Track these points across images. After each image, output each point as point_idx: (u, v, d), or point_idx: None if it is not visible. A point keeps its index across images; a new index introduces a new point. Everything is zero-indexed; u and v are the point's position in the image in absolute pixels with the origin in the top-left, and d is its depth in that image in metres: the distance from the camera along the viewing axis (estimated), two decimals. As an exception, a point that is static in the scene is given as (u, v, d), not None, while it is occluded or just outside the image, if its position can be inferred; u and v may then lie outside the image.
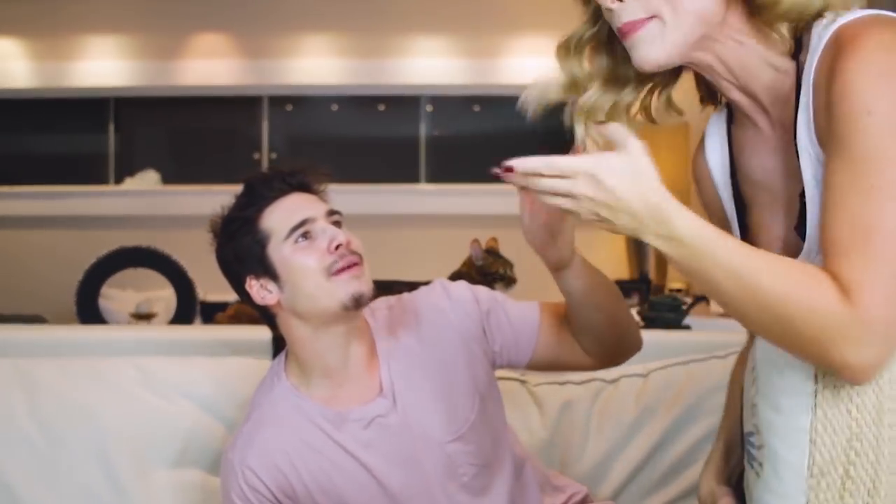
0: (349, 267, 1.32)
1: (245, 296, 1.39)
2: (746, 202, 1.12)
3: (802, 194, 0.99)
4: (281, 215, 1.35)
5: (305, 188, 1.40)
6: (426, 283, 1.75)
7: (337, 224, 1.37)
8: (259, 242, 1.34)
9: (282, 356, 1.44)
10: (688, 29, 0.99)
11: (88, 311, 3.49)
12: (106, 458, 1.65)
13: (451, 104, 6.18)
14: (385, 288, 1.91)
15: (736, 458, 1.23)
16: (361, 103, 6.16)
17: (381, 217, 5.59)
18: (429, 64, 5.95)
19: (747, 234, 1.13)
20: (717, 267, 0.91)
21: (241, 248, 1.35)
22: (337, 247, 1.32)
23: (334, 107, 6.21)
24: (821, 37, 0.96)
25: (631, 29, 1.00)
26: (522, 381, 1.77)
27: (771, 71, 1.01)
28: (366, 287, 1.34)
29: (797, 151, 0.99)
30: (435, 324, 1.42)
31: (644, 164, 0.92)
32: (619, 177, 0.90)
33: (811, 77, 0.96)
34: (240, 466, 1.35)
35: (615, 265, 5.86)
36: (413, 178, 6.11)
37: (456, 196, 5.90)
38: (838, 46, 0.93)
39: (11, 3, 5.87)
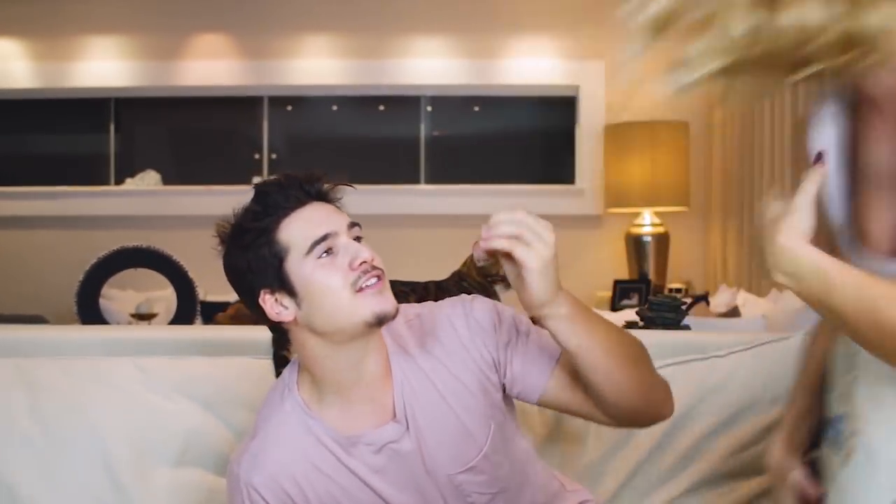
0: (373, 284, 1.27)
1: (256, 309, 1.31)
2: (859, 188, 1.09)
3: None
4: (301, 228, 1.27)
5: (323, 198, 1.32)
6: (425, 283, 1.74)
7: (358, 238, 1.30)
8: (276, 256, 1.26)
9: (294, 367, 1.39)
10: None
11: (89, 312, 3.50)
12: (106, 457, 1.65)
13: (451, 104, 6.18)
14: (385, 288, 1.92)
15: (806, 428, 1.25)
16: (361, 103, 6.17)
17: (381, 217, 5.59)
18: (429, 64, 5.95)
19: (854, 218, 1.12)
20: (839, 299, 0.96)
21: (257, 261, 1.27)
22: (361, 263, 1.26)
23: (334, 107, 6.21)
24: None
25: None
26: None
27: None
28: (390, 305, 1.27)
29: None
30: (452, 348, 1.35)
31: (790, 208, 1.01)
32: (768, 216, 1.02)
33: None
34: (245, 486, 1.32)
35: (615, 265, 5.86)
36: (413, 178, 6.11)
37: (456, 196, 5.91)
38: None
39: (11, 3, 5.87)
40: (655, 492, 1.70)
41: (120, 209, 5.89)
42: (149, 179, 5.94)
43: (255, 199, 1.30)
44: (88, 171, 6.15)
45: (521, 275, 1.19)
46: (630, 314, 4.07)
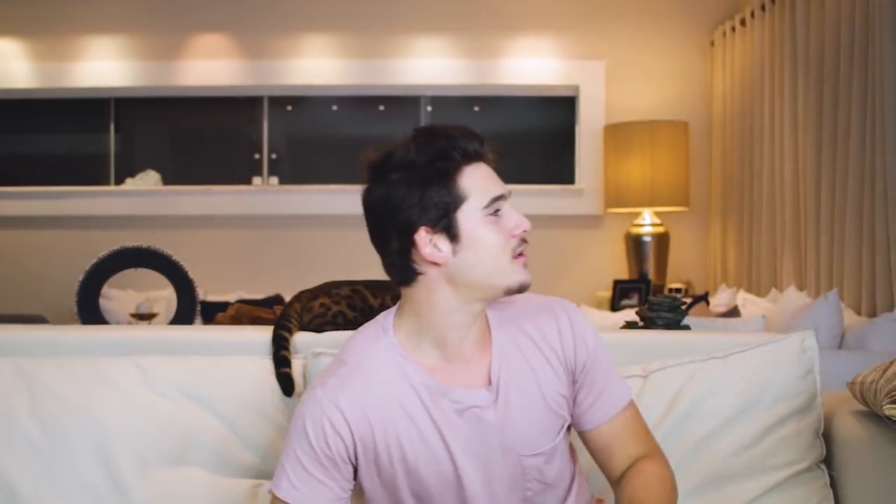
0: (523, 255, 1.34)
1: (399, 242, 1.30)
2: None
3: None
4: (482, 182, 1.30)
5: (488, 162, 1.34)
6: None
7: None
8: (453, 200, 1.28)
9: (390, 313, 1.39)
10: None
11: (89, 311, 3.49)
12: (106, 457, 1.65)
13: (451, 104, 6.18)
14: (385, 287, 1.92)
15: None
16: (361, 103, 6.17)
17: (382, 217, 5.59)
18: (429, 64, 5.95)
19: None
20: None
21: (430, 199, 1.27)
22: (522, 231, 1.32)
23: (334, 107, 6.22)
24: None
25: None
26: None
27: None
28: (530, 278, 1.34)
29: None
30: (550, 338, 1.39)
31: None
32: None
33: None
34: (329, 404, 1.30)
35: (615, 265, 5.86)
36: (413, 178, 6.11)
37: (456, 196, 5.90)
38: None
39: (11, 3, 5.87)
40: (655, 492, 1.70)
41: (120, 209, 5.89)
42: (149, 179, 5.94)
43: (435, 137, 1.30)
44: (88, 171, 6.15)
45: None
46: (630, 314, 4.08)
